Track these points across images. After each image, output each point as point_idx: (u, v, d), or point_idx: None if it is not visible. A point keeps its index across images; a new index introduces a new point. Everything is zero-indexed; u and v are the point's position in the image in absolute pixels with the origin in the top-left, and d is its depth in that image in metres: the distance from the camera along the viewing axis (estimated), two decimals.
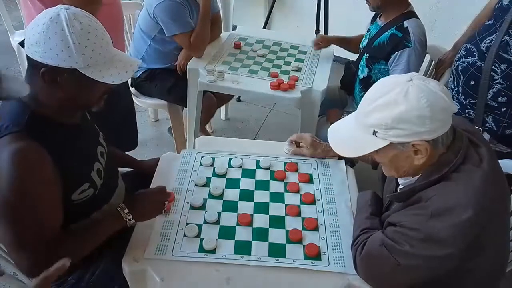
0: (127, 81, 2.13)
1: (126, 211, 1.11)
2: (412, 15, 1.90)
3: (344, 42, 2.29)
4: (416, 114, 0.91)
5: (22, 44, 1.04)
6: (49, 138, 1.04)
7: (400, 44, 1.85)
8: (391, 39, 1.89)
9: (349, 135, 1.04)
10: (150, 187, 1.35)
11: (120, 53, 1.11)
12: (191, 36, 2.12)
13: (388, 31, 1.91)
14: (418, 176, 1.03)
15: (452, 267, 0.96)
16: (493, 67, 1.53)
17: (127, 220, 1.11)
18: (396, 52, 1.87)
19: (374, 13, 2.07)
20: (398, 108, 0.92)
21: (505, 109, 1.56)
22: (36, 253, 1.01)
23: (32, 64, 1.02)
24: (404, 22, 1.86)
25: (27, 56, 1.02)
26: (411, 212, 0.99)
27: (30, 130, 1.01)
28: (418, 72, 1.95)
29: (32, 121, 1.03)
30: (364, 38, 2.12)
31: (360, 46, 2.15)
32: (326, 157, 1.51)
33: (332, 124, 1.13)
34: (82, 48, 0.99)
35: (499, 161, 1.36)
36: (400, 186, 1.12)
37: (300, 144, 1.54)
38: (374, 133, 0.96)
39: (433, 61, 2.17)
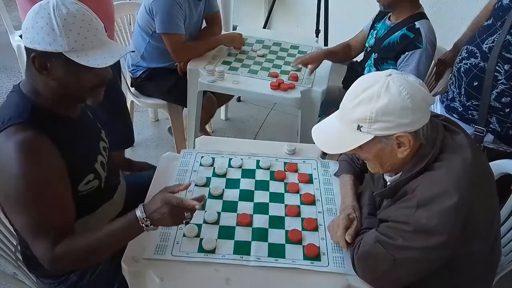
0: (117, 77, 2.12)
1: (144, 215, 1.02)
2: (423, 16, 1.87)
3: (330, 56, 2.14)
4: (399, 106, 0.93)
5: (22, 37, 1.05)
6: (52, 129, 1.05)
7: (411, 44, 1.82)
8: (402, 40, 1.85)
9: (334, 132, 1.05)
10: (150, 187, 1.35)
11: (111, 42, 1.10)
12: (182, 42, 2.12)
13: (399, 31, 1.87)
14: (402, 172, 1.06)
15: (448, 255, 0.97)
16: (497, 67, 1.53)
17: (144, 225, 1.03)
18: (407, 53, 1.83)
19: (376, 12, 2.06)
20: (381, 101, 0.94)
21: (508, 110, 1.56)
22: (54, 241, 1.01)
23: (27, 52, 1.03)
24: (416, 23, 1.83)
25: (25, 46, 1.04)
26: (399, 206, 1.01)
27: (33, 121, 1.03)
28: (427, 74, 1.93)
29: (35, 113, 1.04)
30: (370, 37, 2.08)
31: (366, 45, 2.11)
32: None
33: (315, 125, 1.14)
34: (67, 31, 0.99)
35: (499, 161, 1.38)
36: (388, 183, 1.13)
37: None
38: (359, 127, 0.98)
39: (433, 61, 2.17)
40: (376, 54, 1.98)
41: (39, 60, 1.01)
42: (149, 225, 1.03)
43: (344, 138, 1.02)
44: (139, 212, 1.03)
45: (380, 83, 0.96)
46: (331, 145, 1.08)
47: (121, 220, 1.05)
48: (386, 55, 1.93)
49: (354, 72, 2.16)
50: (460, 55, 1.70)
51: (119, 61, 1.12)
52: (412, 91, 0.94)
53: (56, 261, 1.02)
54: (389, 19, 1.98)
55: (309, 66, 2.00)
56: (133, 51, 2.17)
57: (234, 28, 2.74)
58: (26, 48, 1.03)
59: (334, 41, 2.87)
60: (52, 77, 1.04)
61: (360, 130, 0.98)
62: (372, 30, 2.08)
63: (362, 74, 2.06)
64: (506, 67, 1.51)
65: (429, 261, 0.98)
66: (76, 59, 1.01)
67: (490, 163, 1.33)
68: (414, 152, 1.01)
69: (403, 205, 1.00)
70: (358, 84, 1.01)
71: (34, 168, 0.98)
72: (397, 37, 1.88)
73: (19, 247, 1.32)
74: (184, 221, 1.06)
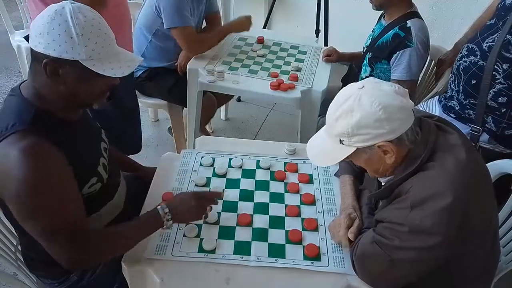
0: (132, 84, 2.14)
1: (167, 210, 1.11)
2: (416, 15, 1.90)
3: (354, 58, 2.27)
4: (372, 119, 0.95)
5: (27, 38, 1.04)
6: (55, 134, 1.04)
7: (402, 43, 1.85)
8: (394, 39, 1.89)
9: (322, 146, 1.09)
10: (150, 187, 1.36)
11: (123, 51, 1.11)
12: (194, 33, 2.12)
13: (392, 30, 1.91)
14: None
15: (443, 255, 0.97)
16: (495, 66, 1.53)
17: (165, 220, 1.11)
18: (398, 52, 1.87)
19: (380, 14, 2.08)
20: (354, 115, 0.97)
21: (505, 110, 1.56)
22: (71, 243, 1.01)
23: (35, 57, 1.02)
24: (408, 21, 1.87)
25: (31, 50, 1.02)
26: (393, 207, 1.02)
27: (36, 127, 1.01)
28: (420, 73, 1.94)
29: (38, 118, 1.03)
30: (368, 37, 2.12)
31: (364, 45, 2.15)
32: None
33: (310, 139, 1.16)
34: (85, 39, 0.99)
35: (499, 161, 1.38)
36: (383, 184, 1.14)
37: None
38: (341, 141, 1.01)
39: (433, 61, 2.17)
40: (370, 53, 2.02)
41: (51, 66, 1.00)
42: (170, 219, 1.11)
43: (331, 151, 1.05)
44: (160, 208, 1.12)
45: (353, 97, 0.98)
46: (321, 158, 1.12)
47: (142, 216, 1.15)
48: (379, 54, 1.96)
49: (353, 71, 2.18)
50: (460, 53, 1.71)
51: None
52: (386, 101, 0.95)
53: (76, 259, 1.04)
54: (384, 18, 2.02)
55: (329, 58, 2.20)
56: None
57: None
58: (35, 53, 1.01)
59: (334, 41, 2.88)
60: (62, 82, 1.03)
61: (343, 144, 1.01)
62: (371, 33, 2.12)
63: (359, 73, 2.10)
64: (504, 66, 1.51)
65: (426, 261, 0.98)
66: (93, 68, 1.01)
67: (489, 164, 1.33)
68: (406, 154, 1.01)
69: (398, 206, 1.00)
70: (336, 99, 1.04)
71: (41, 172, 0.98)
72: (389, 36, 1.92)
73: (19, 247, 1.33)
74: (205, 213, 1.18)
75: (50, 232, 1.01)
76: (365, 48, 2.12)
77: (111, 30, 1.07)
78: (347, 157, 1.03)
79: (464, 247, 0.98)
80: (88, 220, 1.11)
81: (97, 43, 1.01)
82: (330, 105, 1.05)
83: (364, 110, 0.95)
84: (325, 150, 1.08)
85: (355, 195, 1.27)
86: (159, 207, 1.12)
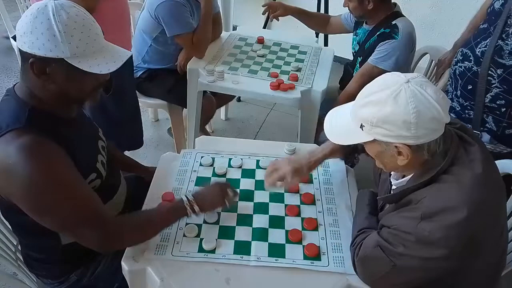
0: (133, 79, 2.14)
1: (191, 197, 1.18)
2: (399, 15, 1.92)
3: (303, 16, 2.30)
4: (401, 119, 0.90)
5: (15, 38, 1.03)
6: (51, 132, 1.04)
7: (388, 36, 1.87)
8: (379, 37, 1.91)
9: (342, 122, 1.05)
10: (150, 187, 1.36)
11: (110, 44, 1.09)
12: (193, 36, 2.12)
13: (378, 32, 1.92)
14: (409, 178, 1.04)
15: (448, 267, 0.96)
16: (490, 71, 1.52)
17: (189, 207, 1.17)
18: (381, 42, 1.88)
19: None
20: (385, 108, 0.92)
21: (504, 109, 1.56)
22: (100, 224, 1.06)
23: (23, 56, 1.01)
24: (393, 22, 1.88)
25: (19, 50, 1.01)
26: (402, 215, 1.00)
27: (32, 125, 1.01)
28: (398, 62, 1.89)
29: (32, 117, 1.03)
30: (353, 42, 2.14)
31: (352, 50, 2.16)
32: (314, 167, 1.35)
33: (334, 108, 1.13)
34: (68, 37, 0.98)
35: (499, 161, 1.38)
36: (393, 187, 1.12)
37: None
38: (361, 126, 0.97)
39: (433, 61, 2.17)
40: (360, 57, 2.03)
41: (38, 65, 0.99)
42: (194, 205, 1.17)
43: (349, 132, 1.02)
44: (185, 197, 1.18)
45: (392, 90, 0.92)
46: (336, 135, 1.09)
47: (169, 204, 1.23)
48: (368, 56, 1.96)
49: (348, 73, 2.18)
50: (456, 57, 1.71)
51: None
52: (422, 107, 0.89)
53: (110, 241, 1.09)
54: (366, 23, 2.03)
55: (275, 13, 2.20)
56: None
57: (234, 28, 2.74)
58: (23, 52, 1.00)
59: (334, 41, 2.89)
60: (51, 81, 1.02)
61: (362, 129, 0.98)
62: (354, 36, 2.13)
63: (353, 74, 2.09)
64: (499, 71, 1.51)
65: (429, 270, 0.97)
66: (78, 65, 1.00)
67: None
68: (422, 163, 0.98)
69: (407, 214, 0.98)
70: (375, 82, 0.99)
71: (47, 167, 0.98)
72: (375, 37, 1.92)
73: (19, 247, 1.33)
74: (227, 199, 1.23)
75: (74, 224, 1.03)
76: (354, 53, 2.13)
77: (98, 25, 1.06)
78: (363, 143, 1.01)
79: (471, 260, 0.97)
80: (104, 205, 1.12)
81: (80, 40, 1.00)
82: (367, 86, 1.00)
83: (397, 107, 0.90)
84: (343, 128, 1.05)
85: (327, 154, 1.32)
86: (183, 196, 1.18)
